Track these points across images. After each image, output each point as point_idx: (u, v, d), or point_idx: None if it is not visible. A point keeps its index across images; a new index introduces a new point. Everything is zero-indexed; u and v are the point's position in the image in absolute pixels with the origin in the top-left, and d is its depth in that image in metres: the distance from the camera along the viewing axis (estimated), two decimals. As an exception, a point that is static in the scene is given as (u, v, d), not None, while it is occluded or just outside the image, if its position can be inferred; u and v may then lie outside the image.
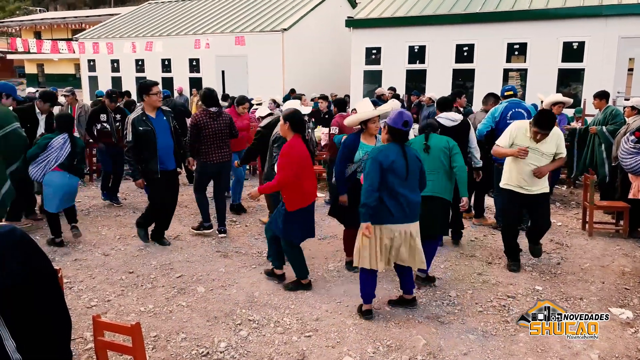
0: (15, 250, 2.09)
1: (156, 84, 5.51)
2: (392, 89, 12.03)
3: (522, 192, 4.88)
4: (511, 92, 6.34)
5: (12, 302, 2.01)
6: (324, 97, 10.34)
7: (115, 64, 19.74)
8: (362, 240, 3.87)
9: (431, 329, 3.87)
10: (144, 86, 5.42)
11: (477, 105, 11.02)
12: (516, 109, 6.15)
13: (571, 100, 7.70)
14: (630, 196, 5.64)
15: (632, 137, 5.45)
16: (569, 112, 10.23)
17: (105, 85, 17.48)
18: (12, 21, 41.49)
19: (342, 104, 7.47)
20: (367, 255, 3.87)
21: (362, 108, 4.78)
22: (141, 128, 5.30)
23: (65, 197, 5.71)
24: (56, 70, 36.25)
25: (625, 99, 9.97)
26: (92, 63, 20.51)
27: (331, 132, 7.34)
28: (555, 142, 4.77)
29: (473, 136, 5.74)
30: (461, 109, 8.52)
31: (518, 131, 4.86)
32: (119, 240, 5.95)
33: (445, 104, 5.80)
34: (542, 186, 4.91)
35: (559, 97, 7.69)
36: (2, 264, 2.00)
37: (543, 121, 4.63)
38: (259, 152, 6.17)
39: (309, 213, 4.59)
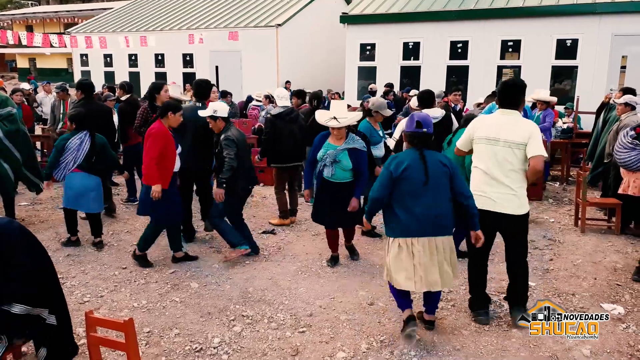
0: (20, 242, 2.07)
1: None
2: (390, 85, 12.01)
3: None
4: None
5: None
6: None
7: (108, 59, 19.60)
8: (391, 255, 3.52)
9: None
10: (211, 85, 5.71)
11: (470, 101, 11.04)
12: None
13: (555, 99, 7.82)
14: (620, 191, 5.67)
15: (632, 133, 5.43)
16: (560, 107, 10.29)
17: (98, 80, 17.35)
18: (3, 14, 41.09)
19: (318, 98, 7.33)
20: (393, 270, 3.49)
21: (332, 108, 4.81)
22: None
23: (92, 198, 5.34)
24: (48, 65, 35.94)
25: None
26: (84, 57, 20.36)
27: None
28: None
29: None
30: (453, 105, 8.54)
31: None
32: (111, 236, 5.91)
33: (426, 100, 5.79)
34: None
35: (546, 95, 7.84)
36: (12, 257, 1.98)
37: None
38: (274, 142, 6.19)
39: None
